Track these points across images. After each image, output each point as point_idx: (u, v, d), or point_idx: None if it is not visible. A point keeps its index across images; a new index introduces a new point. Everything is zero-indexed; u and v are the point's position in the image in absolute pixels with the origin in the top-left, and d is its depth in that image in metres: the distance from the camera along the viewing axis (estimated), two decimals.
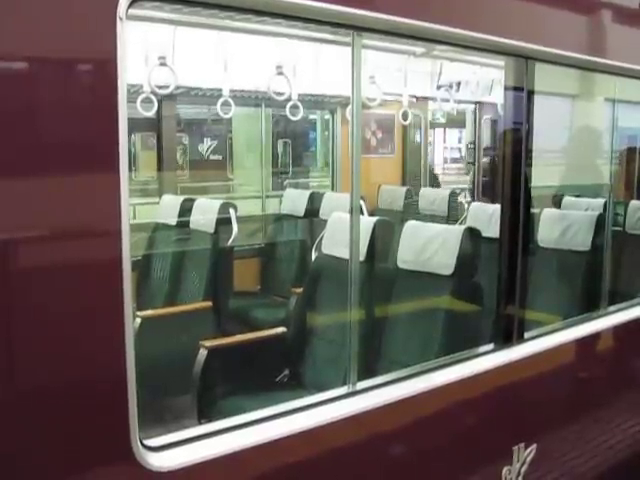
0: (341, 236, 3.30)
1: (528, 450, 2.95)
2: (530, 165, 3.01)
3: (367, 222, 3.64)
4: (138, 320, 3.77)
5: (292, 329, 3.88)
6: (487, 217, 4.14)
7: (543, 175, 3.80)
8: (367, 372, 2.70)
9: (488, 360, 2.84)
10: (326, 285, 3.84)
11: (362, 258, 3.28)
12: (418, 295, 3.51)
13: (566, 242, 4.33)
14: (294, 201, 6.38)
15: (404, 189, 7.50)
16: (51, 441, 1.59)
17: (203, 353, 3.49)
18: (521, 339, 3.00)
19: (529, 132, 2.97)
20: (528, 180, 3.00)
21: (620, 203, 4.77)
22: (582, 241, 4.26)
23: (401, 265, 3.56)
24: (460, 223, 6.00)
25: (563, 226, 4.39)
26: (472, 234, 3.38)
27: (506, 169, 2.98)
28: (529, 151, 2.98)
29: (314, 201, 6.17)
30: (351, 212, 2.48)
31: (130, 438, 1.69)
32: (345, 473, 2.30)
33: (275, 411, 2.13)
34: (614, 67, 3.35)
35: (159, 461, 1.77)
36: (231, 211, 4.96)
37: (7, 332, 1.53)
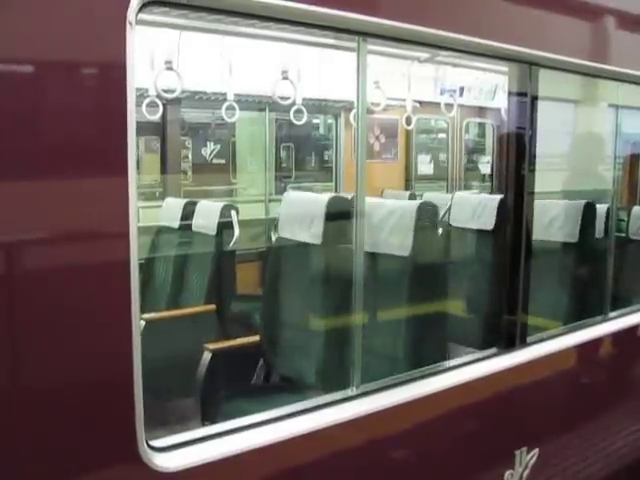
0: (298, 217, 3.24)
1: (530, 454, 2.95)
2: (533, 171, 3.02)
3: (320, 200, 3.41)
4: (142, 323, 3.77)
5: (264, 329, 3.68)
6: (471, 208, 4.11)
7: (545, 181, 3.81)
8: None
9: (490, 364, 2.85)
10: (288, 273, 3.63)
11: (319, 241, 3.22)
12: (377, 279, 3.27)
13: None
14: None
15: (407, 194, 7.52)
16: (58, 442, 1.60)
17: (207, 356, 3.50)
18: (524, 344, 3.01)
19: (532, 137, 2.99)
20: (532, 186, 3.01)
21: (623, 209, 4.78)
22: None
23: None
24: None
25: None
26: (427, 210, 3.14)
27: (509, 175, 3.00)
28: (532, 156, 2.99)
29: None
30: (356, 216, 2.50)
31: (136, 439, 1.71)
32: (348, 476, 2.31)
33: (279, 413, 2.15)
34: (618, 73, 3.36)
35: (165, 462, 1.79)
36: (232, 213, 4.95)
37: (16, 333, 1.55)
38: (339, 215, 3.21)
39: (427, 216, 3.15)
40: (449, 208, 4.39)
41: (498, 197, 3.78)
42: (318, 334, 3.23)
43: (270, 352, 3.63)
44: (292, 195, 3.96)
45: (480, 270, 4.03)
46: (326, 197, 3.45)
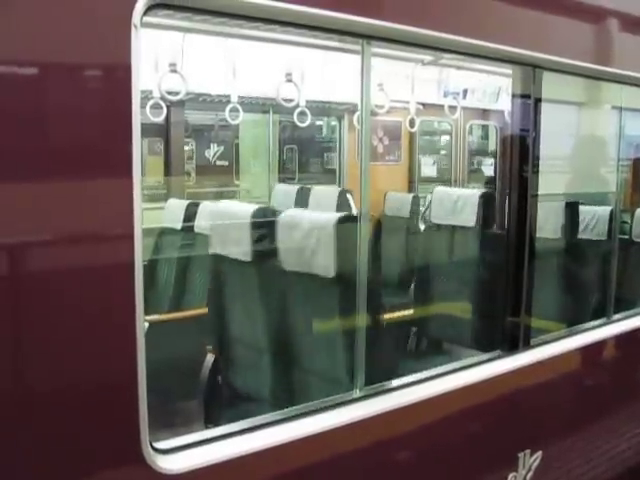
0: (229, 231, 2.99)
1: (534, 457, 2.95)
2: (537, 173, 3.02)
3: (245, 210, 3.04)
4: (146, 325, 3.76)
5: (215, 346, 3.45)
6: (452, 203, 4.01)
7: (548, 183, 3.81)
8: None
9: (494, 366, 2.85)
10: (225, 292, 3.32)
11: (249, 258, 2.97)
12: (302, 299, 2.94)
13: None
14: None
15: (410, 196, 7.52)
16: (62, 442, 1.61)
17: (210, 358, 3.50)
18: (527, 346, 3.01)
19: (536, 139, 2.99)
20: (535, 188, 3.01)
21: (626, 211, 4.78)
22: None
23: (287, 267, 2.91)
24: None
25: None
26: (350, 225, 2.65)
27: (513, 176, 3.00)
28: (536, 158, 2.99)
29: None
30: (359, 218, 2.49)
31: (140, 441, 1.71)
32: (352, 477, 2.31)
33: (282, 415, 2.15)
34: (621, 76, 3.36)
35: (169, 464, 1.79)
36: None
37: (22, 335, 1.55)
38: (266, 228, 2.91)
39: (351, 231, 2.57)
40: (429, 204, 4.27)
41: (479, 191, 3.73)
42: (264, 351, 3.08)
43: (224, 369, 3.43)
44: (220, 206, 3.59)
45: (462, 270, 3.99)
46: (251, 208, 3.05)
